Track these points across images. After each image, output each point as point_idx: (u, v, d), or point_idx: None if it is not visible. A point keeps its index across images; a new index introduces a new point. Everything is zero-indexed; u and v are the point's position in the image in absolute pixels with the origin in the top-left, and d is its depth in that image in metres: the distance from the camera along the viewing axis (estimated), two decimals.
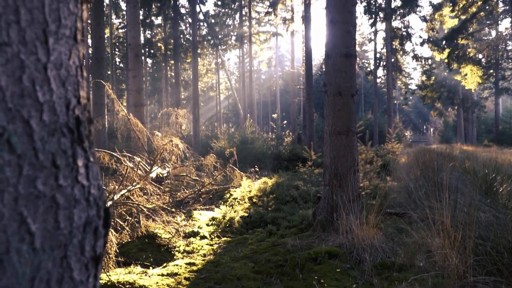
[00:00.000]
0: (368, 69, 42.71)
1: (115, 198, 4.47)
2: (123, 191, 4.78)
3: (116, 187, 4.62)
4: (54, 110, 0.51)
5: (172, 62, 27.25)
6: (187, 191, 6.49)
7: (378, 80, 32.49)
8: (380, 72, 30.02)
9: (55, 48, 0.51)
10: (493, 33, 28.81)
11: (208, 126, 34.99)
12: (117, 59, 33.19)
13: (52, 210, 0.50)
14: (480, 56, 20.87)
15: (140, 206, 4.68)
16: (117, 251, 3.48)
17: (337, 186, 4.10)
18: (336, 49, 4.09)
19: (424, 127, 69.39)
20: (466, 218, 3.18)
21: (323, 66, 4.48)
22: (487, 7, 17.85)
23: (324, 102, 4.32)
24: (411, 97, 43.70)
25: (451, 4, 18.41)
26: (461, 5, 17.70)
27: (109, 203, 4.37)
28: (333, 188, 4.12)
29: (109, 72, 26.30)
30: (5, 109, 0.45)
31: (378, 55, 27.05)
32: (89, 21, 12.59)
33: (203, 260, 3.67)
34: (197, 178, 7.20)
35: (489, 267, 2.77)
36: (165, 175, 6.83)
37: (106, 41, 21.74)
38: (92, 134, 0.58)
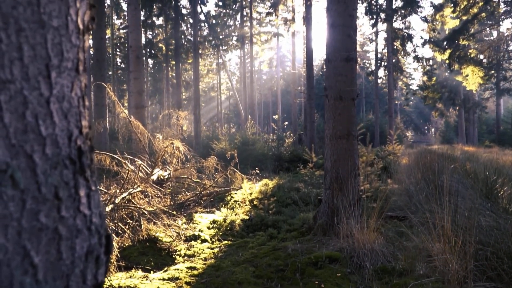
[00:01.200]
0: (369, 69, 42.69)
1: (116, 201, 4.49)
2: (124, 194, 4.79)
3: (118, 191, 4.63)
4: (57, 143, 0.51)
5: (173, 62, 27.28)
6: (188, 194, 6.50)
7: (379, 81, 32.48)
8: (381, 72, 30.00)
9: (57, 82, 0.52)
10: (495, 33, 28.78)
11: (209, 126, 35.05)
12: (118, 60, 33.27)
13: (55, 241, 0.50)
14: (482, 56, 20.84)
15: (141, 209, 4.69)
16: (118, 255, 3.50)
17: (337, 190, 4.10)
18: (337, 53, 4.10)
19: (426, 127, 69.31)
20: (467, 222, 3.19)
21: (324, 67, 4.49)
22: (489, 8, 17.83)
23: (324, 106, 4.33)
24: (412, 97, 43.68)
25: (452, 5, 18.41)
26: (462, 6, 17.69)
27: (111, 206, 4.39)
28: (334, 192, 4.12)
29: (110, 73, 26.36)
30: (8, 146, 0.46)
31: (379, 56, 27.03)
32: None
33: (204, 264, 3.68)
34: (198, 180, 7.21)
35: (490, 273, 2.78)
36: (166, 177, 6.85)
37: (107, 41, 21.78)
38: (94, 161, 0.59)
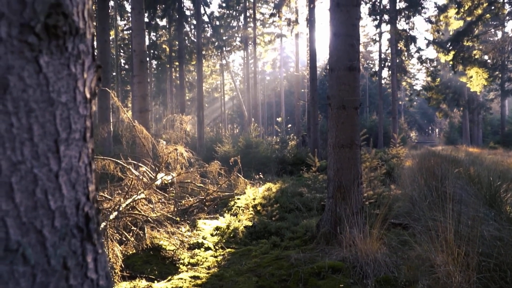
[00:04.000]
0: (373, 69, 42.58)
1: (120, 209, 4.52)
2: (128, 201, 4.82)
3: (122, 199, 4.66)
4: (65, 214, 0.53)
5: (177, 64, 27.34)
6: (191, 199, 6.53)
7: (383, 81, 32.39)
8: (385, 73, 29.93)
9: (66, 155, 0.54)
10: (499, 34, 28.63)
11: (213, 127, 35.08)
12: (122, 61, 33.39)
13: None
14: (486, 57, 20.73)
15: (145, 216, 4.72)
16: (122, 265, 3.52)
17: (340, 199, 4.11)
18: (340, 62, 4.11)
19: (430, 128, 69.04)
20: (470, 233, 3.18)
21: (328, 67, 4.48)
22: (493, 9, 17.74)
23: (327, 114, 4.34)
24: (416, 98, 43.55)
25: (456, 6, 18.33)
26: (466, 7, 17.61)
27: (115, 213, 4.42)
28: (337, 201, 4.14)
29: (114, 74, 26.46)
30: (19, 224, 0.48)
31: (383, 56, 26.96)
32: (95, 24, 12.69)
33: (207, 273, 3.70)
34: (201, 185, 7.23)
35: (492, 286, 2.78)
36: (170, 181, 6.87)
37: (111, 43, 21.85)
38: (100, 222, 0.61)
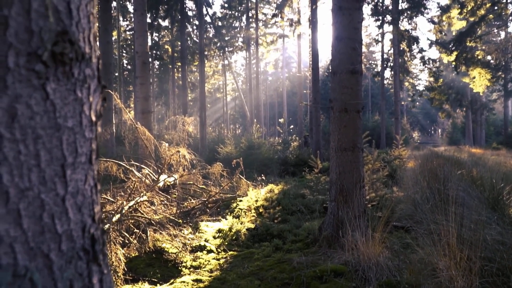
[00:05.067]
0: (376, 70, 42.51)
1: (123, 211, 4.53)
2: (131, 203, 4.84)
3: (125, 202, 4.67)
4: (72, 237, 0.54)
5: (179, 64, 27.39)
6: (194, 201, 6.54)
7: (386, 82, 32.34)
8: (388, 73, 29.89)
9: (72, 178, 0.55)
10: (502, 34, 28.53)
11: (215, 127, 35.10)
12: (125, 61, 33.46)
13: None
14: (489, 57, 20.65)
15: (148, 218, 4.73)
16: (125, 268, 3.53)
17: (342, 202, 4.11)
18: (342, 66, 4.11)
19: (432, 128, 68.86)
20: (472, 236, 3.18)
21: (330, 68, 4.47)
22: (496, 9, 17.69)
23: (330, 117, 4.34)
24: (419, 98, 43.45)
25: (459, 6, 18.28)
26: (469, 8, 17.56)
27: (117, 216, 4.43)
28: (339, 204, 4.14)
29: (116, 74, 26.50)
30: (27, 250, 0.49)
31: (385, 56, 26.92)
32: (97, 25, 12.72)
33: (210, 276, 3.71)
34: (204, 186, 7.24)
35: None
36: (172, 183, 6.89)
37: (114, 44, 21.92)
38: (105, 242, 0.62)
